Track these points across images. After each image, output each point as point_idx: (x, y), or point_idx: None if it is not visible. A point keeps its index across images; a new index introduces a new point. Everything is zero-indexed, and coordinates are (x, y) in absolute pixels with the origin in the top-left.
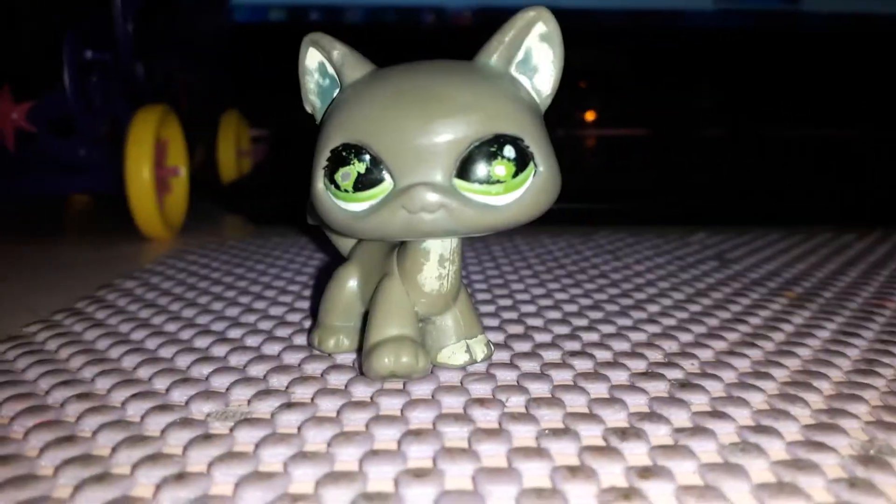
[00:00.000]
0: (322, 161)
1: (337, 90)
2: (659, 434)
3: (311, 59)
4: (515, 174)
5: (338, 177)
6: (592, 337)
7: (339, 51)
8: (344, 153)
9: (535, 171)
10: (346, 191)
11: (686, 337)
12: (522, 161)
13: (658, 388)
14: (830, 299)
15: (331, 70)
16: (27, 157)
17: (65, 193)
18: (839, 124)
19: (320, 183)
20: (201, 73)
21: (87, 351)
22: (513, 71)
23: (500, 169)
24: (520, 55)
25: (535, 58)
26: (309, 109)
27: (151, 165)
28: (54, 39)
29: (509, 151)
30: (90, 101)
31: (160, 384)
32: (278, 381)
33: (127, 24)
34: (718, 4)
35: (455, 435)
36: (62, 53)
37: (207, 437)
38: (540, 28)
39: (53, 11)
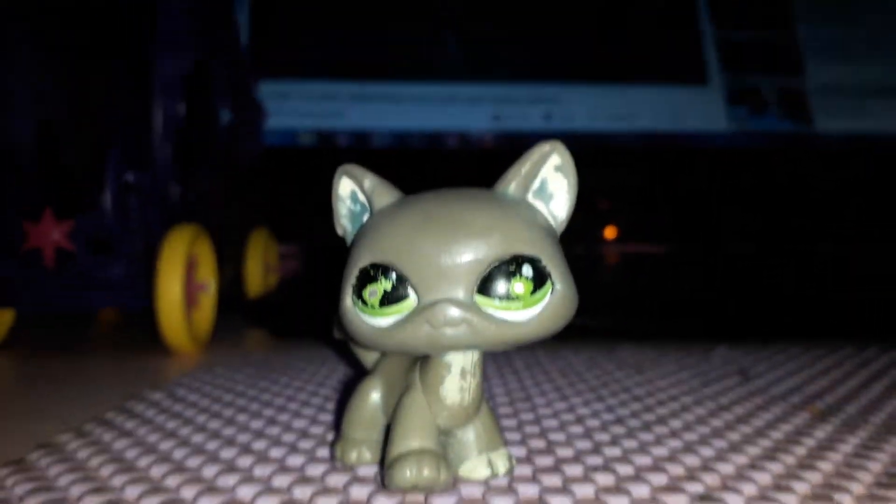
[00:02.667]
0: (351, 279)
1: (366, 215)
2: None
3: (344, 187)
4: (533, 291)
5: (365, 294)
6: (615, 452)
7: (369, 180)
8: (372, 272)
9: (553, 289)
10: (372, 307)
11: (708, 451)
12: (540, 279)
13: (679, 502)
14: (853, 414)
15: (361, 197)
16: (63, 274)
17: (97, 308)
18: (859, 240)
19: (349, 299)
20: (233, 193)
21: (116, 460)
22: (530, 198)
23: (519, 286)
24: (536, 184)
25: (550, 186)
26: (340, 232)
27: (182, 283)
28: (95, 160)
29: (527, 270)
30: (128, 221)
31: (187, 494)
32: (301, 492)
33: (165, 147)
34: (733, 127)
35: None
36: (103, 174)
37: None
38: (555, 160)
39: (94, 134)
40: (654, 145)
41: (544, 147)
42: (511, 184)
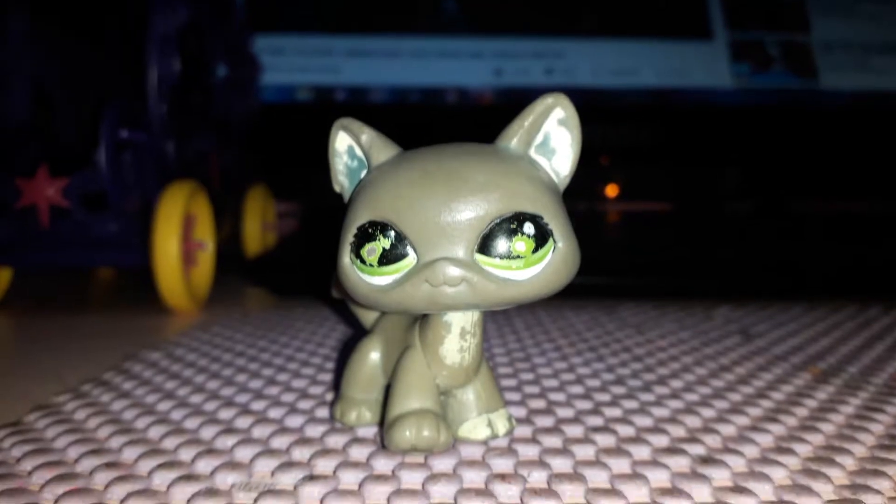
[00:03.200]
0: (349, 237)
1: (364, 171)
2: None
3: (341, 142)
4: (535, 250)
5: (364, 252)
6: (615, 412)
7: (367, 134)
8: (370, 230)
9: (555, 247)
10: (371, 265)
11: (709, 412)
12: (542, 237)
13: (680, 463)
14: (855, 374)
15: (359, 152)
16: (59, 231)
17: (94, 266)
18: (863, 197)
19: (347, 258)
20: (230, 151)
21: (114, 421)
22: (532, 153)
23: (520, 245)
24: (539, 138)
25: (553, 141)
26: (337, 189)
27: (179, 240)
28: (90, 118)
29: (529, 228)
30: (123, 178)
31: (185, 455)
32: (301, 453)
33: (161, 105)
34: (737, 83)
35: None
36: (98, 132)
37: None
38: (558, 113)
39: (89, 92)
40: (657, 101)
41: (548, 100)
42: (513, 138)
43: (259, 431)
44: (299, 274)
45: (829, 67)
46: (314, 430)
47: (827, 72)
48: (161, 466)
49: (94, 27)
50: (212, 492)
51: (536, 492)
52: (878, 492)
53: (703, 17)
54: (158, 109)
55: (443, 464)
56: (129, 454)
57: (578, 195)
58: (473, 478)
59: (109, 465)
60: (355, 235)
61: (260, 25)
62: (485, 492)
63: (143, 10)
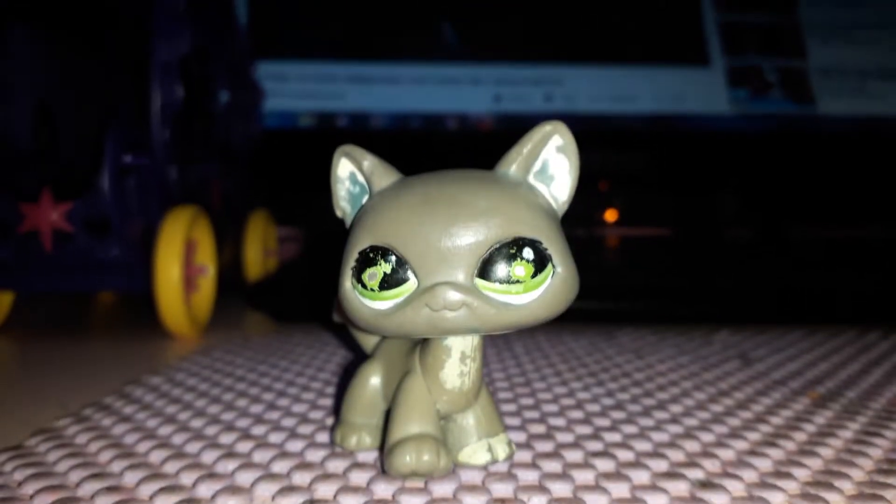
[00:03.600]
0: (351, 262)
1: (366, 197)
2: None
3: (343, 168)
4: (534, 274)
5: (365, 277)
6: (615, 437)
7: (368, 161)
8: (371, 254)
9: (554, 272)
10: (372, 290)
11: (708, 437)
12: (541, 262)
13: (679, 488)
14: (853, 399)
15: (361, 178)
16: (62, 256)
17: (95, 291)
18: (861, 223)
19: (348, 282)
20: (232, 176)
21: (115, 445)
22: (531, 179)
23: (520, 269)
24: (537, 165)
25: (551, 167)
26: (339, 214)
27: (180, 265)
28: (93, 142)
29: (528, 253)
30: (126, 203)
31: (186, 479)
32: (301, 478)
33: (163, 130)
34: (735, 109)
35: None
36: (102, 157)
37: None
38: (556, 141)
39: (93, 116)
40: (655, 127)
41: (546, 127)
42: (512, 165)
43: (260, 456)
44: (300, 299)
45: (827, 93)
46: (315, 455)
47: (824, 97)
48: (162, 490)
49: (98, 50)
50: None
51: None
52: None
53: (701, 44)
54: (161, 135)
55: (443, 489)
56: (131, 478)
57: (577, 220)
58: (473, 503)
59: (111, 489)
60: (357, 260)
61: (263, 52)
62: None
63: (147, 35)
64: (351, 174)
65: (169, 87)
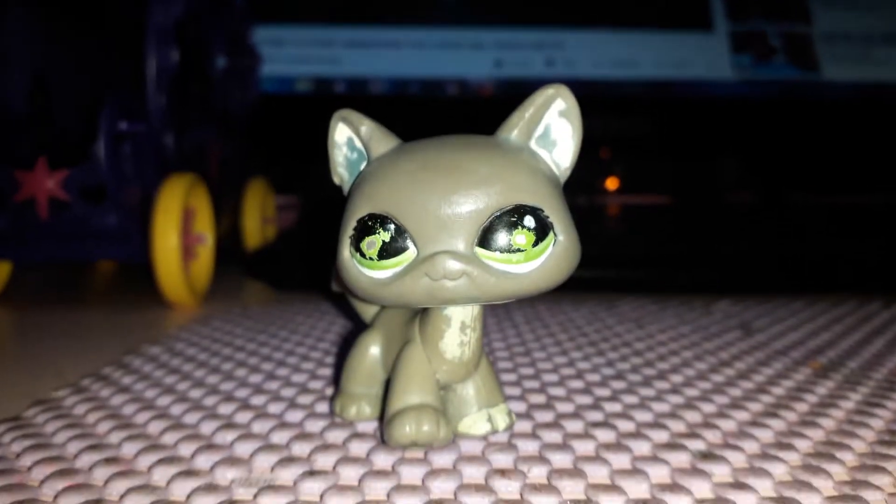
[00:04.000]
0: (349, 230)
1: (364, 163)
2: None
3: (341, 133)
4: (536, 243)
5: (363, 245)
6: (615, 407)
7: (366, 126)
8: (370, 223)
9: (555, 241)
10: (371, 259)
11: (709, 408)
12: (542, 230)
13: (680, 459)
14: (855, 369)
15: (358, 144)
16: (58, 224)
17: (93, 260)
18: (864, 191)
19: (346, 251)
20: (230, 143)
21: (114, 416)
22: (533, 145)
23: (521, 238)
24: (539, 130)
25: (554, 133)
26: (337, 181)
27: (178, 233)
28: (89, 110)
29: (529, 221)
30: (122, 171)
31: (185, 450)
32: (300, 448)
33: (160, 96)
34: (738, 74)
35: None
36: (98, 124)
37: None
38: (559, 105)
39: (87, 82)
40: (657, 93)
41: (548, 90)
42: (514, 130)
43: (259, 427)
44: (299, 268)
45: (831, 59)
46: (314, 426)
47: (829, 63)
48: (161, 462)
49: (93, 17)
50: (212, 487)
51: (536, 487)
52: (878, 488)
53: (705, 8)
54: (157, 101)
55: (442, 459)
56: (129, 449)
57: (578, 188)
58: (473, 473)
59: (109, 461)
60: (355, 229)
61: (260, 16)
62: (484, 487)
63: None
64: (349, 140)
65: (164, 52)
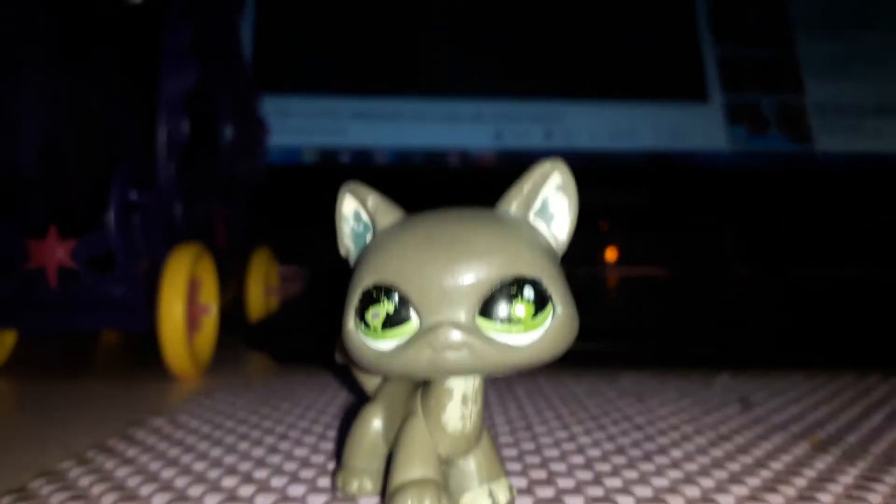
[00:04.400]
0: (354, 301)
1: (370, 235)
2: None
3: (348, 206)
4: (535, 314)
5: (368, 316)
6: (616, 483)
7: (372, 198)
8: (374, 293)
9: (554, 312)
10: (375, 329)
11: (708, 482)
12: (541, 302)
13: None
14: (854, 443)
15: (365, 216)
16: (66, 294)
17: (98, 329)
18: (862, 263)
19: (351, 322)
20: (235, 213)
21: (118, 488)
22: (531, 218)
23: (520, 309)
24: (537, 204)
25: (551, 206)
26: (343, 253)
27: (184, 305)
28: (99, 177)
29: (528, 292)
30: (132, 241)
31: None
32: None
33: (170, 166)
34: (733, 146)
35: None
36: (108, 193)
37: None
38: (556, 179)
39: (98, 152)
40: (655, 164)
41: (545, 165)
42: (513, 203)
43: (261, 501)
44: (301, 339)
45: (824, 130)
46: (316, 501)
47: (822, 134)
48: None
49: (106, 86)
50: None
51: None
52: None
53: (700, 78)
54: (167, 171)
55: None
56: None
57: (577, 259)
58: None
59: None
60: (360, 299)
61: (267, 86)
62: None
63: (154, 69)
64: (355, 212)
65: (175, 122)
